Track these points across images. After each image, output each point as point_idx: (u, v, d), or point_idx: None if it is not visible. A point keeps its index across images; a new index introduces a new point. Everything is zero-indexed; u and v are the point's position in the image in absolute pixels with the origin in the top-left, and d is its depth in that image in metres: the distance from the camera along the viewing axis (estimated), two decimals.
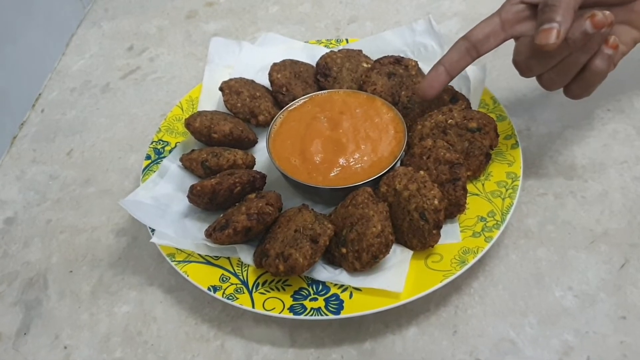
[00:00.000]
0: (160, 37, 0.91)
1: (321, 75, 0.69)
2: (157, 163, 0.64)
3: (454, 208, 0.54)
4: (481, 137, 0.58)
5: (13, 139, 0.77)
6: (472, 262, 0.51)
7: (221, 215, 0.56)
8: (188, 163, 0.61)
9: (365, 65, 0.70)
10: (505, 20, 0.55)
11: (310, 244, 0.50)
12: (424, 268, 0.52)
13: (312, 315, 0.49)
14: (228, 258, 0.55)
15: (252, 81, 0.70)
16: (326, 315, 0.49)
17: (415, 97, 0.64)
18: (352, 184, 0.56)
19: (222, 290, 0.52)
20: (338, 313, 0.49)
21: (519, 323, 0.51)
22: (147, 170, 0.63)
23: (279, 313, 0.50)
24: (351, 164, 0.58)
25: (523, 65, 0.53)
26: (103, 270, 0.60)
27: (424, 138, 0.60)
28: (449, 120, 0.59)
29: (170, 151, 0.65)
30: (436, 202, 0.51)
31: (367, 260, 0.51)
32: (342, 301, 0.50)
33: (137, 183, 0.64)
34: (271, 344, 0.52)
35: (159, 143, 0.66)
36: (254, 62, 0.74)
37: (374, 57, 0.71)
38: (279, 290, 0.52)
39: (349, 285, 0.51)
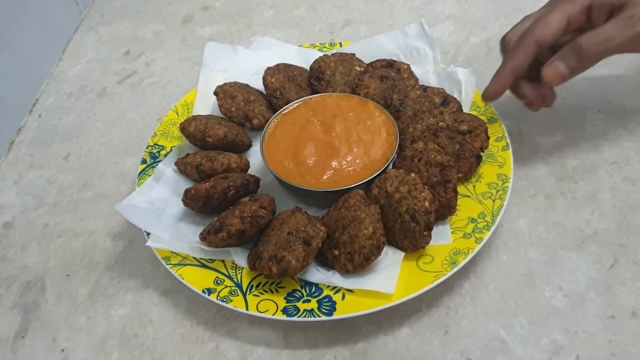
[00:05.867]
0: (157, 42, 0.92)
1: (314, 79, 0.70)
2: (153, 167, 0.64)
3: (444, 210, 0.55)
4: (472, 140, 0.59)
5: (10, 144, 0.77)
6: (462, 263, 0.52)
7: (215, 218, 0.57)
8: (183, 167, 0.62)
9: (358, 68, 0.71)
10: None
11: (303, 246, 0.51)
12: (415, 269, 0.52)
13: (305, 316, 0.50)
14: (222, 261, 0.55)
15: (247, 85, 0.71)
16: (319, 316, 0.50)
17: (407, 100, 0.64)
18: (345, 186, 0.57)
19: (217, 293, 0.52)
20: (331, 314, 0.50)
21: (509, 323, 0.51)
22: (142, 174, 0.64)
23: (273, 315, 0.50)
24: (344, 166, 0.59)
25: None
26: (100, 274, 0.60)
27: (416, 141, 0.60)
28: (440, 123, 0.60)
29: (165, 155, 0.66)
30: (427, 204, 0.52)
31: (359, 262, 0.51)
32: (335, 302, 0.51)
33: (133, 187, 0.65)
34: (265, 345, 0.52)
35: (155, 147, 0.67)
36: (248, 66, 0.75)
37: (367, 61, 0.71)
38: (272, 292, 0.52)
39: (342, 287, 0.52)
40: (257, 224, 0.54)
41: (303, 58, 0.75)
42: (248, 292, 0.52)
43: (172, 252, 0.56)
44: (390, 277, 0.51)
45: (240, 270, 0.54)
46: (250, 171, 0.63)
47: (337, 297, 0.51)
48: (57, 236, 0.65)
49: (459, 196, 0.56)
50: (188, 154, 0.63)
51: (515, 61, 0.58)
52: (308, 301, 0.51)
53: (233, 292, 0.52)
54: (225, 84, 0.69)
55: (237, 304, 0.51)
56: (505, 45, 0.62)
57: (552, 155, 0.64)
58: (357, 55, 0.73)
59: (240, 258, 0.55)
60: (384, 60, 0.70)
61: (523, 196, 0.61)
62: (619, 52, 0.57)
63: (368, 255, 0.51)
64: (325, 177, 0.59)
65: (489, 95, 0.60)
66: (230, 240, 0.54)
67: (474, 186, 0.58)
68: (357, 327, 0.53)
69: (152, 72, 0.86)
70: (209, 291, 0.52)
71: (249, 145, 0.67)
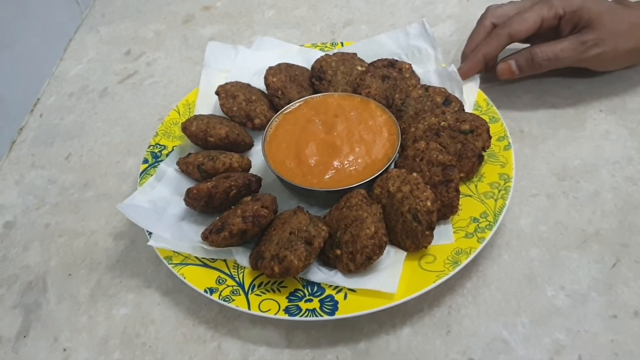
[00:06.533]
0: (157, 42, 0.92)
1: (316, 79, 0.70)
2: (155, 167, 0.64)
3: (446, 209, 0.55)
4: (474, 139, 0.59)
5: (12, 143, 0.77)
6: (465, 262, 0.52)
7: (217, 218, 0.57)
8: (184, 166, 0.62)
9: (359, 68, 0.71)
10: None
11: (305, 245, 0.51)
12: (417, 269, 0.52)
13: (307, 316, 0.50)
14: (224, 260, 0.55)
15: (248, 85, 0.71)
16: (321, 316, 0.50)
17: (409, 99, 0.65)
18: (346, 186, 0.57)
19: (219, 292, 0.52)
20: (333, 314, 0.50)
21: (511, 322, 0.51)
22: (144, 174, 0.64)
23: (275, 314, 0.50)
24: (345, 166, 0.59)
25: None
26: (101, 273, 0.60)
27: (417, 140, 0.60)
28: (442, 123, 0.60)
29: (167, 155, 0.66)
30: (429, 203, 0.52)
31: (361, 261, 0.51)
32: (337, 302, 0.51)
33: (135, 187, 0.65)
34: (267, 345, 0.52)
35: (156, 147, 0.67)
36: (249, 66, 0.75)
37: (369, 60, 0.71)
38: (274, 291, 0.52)
39: (344, 287, 0.52)
40: (259, 223, 0.54)
41: (304, 58, 0.75)
42: (250, 292, 0.52)
43: (173, 251, 0.56)
44: (392, 276, 0.51)
45: (242, 270, 0.54)
46: (252, 171, 0.63)
47: (339, 297, 0.51)
48: (58, 236, 0.65)
49: (460, 196, 0.56)
50: (190, 154, 0.63)
51: (487, 48, 0.67)
52: (310, 301, 0.51)
53: (235, 292, 0.52)
54: (226, 83, 0.69)
55: (239, 304, 0.51)
56: (482, 21, 0.71)
57: (553, 154, 0.64)
58: (358, 55, 0.73)
59: (242, 257, 0.55)
60: (386, 59, 0.70)
61: (525, 196, 0.61)
62: (565, 66, 0.65)
63: (370, 255, 0.51)
64: (327, 176, 0.59)
65: (463, 76, 0.68)
66: (232, 239, 0.53)
67: (475, 186, 0.58)
68: (359, 326, 0.53)
69: (153, 72, 0.86)
70: (211, 291, 0.52)
71: (251, 145, 0.67)
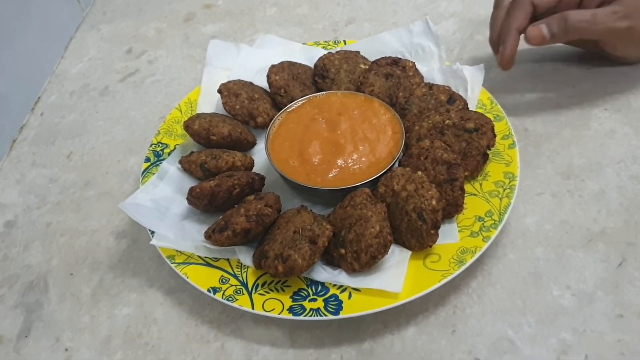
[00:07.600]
0: (159, 40, 0.91)
1: (319, 77, 0.70)
2: (157, 165, 0.64)
3: (451, 208, 0.55)
4: (478, 138, 0.58)
5: (13, 142, 0.77)
6: (470, 261, 0.51)
7: (220, 217, 0.56)
8: (187, 165, 0.62)
9: (362, 66, 0.70)
10: None
11: (309, 244, 0.51)
12: (422, 268, 0.52)
13: (311, 315, 0.50)
14: (227, 259, 0.55)
15: (251, 83, 0.70)
16: (325, 315, 0.49)
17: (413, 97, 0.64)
18: (351, 184, 0.56)
19: (222, 292, 0.52)
20: (337, 313, 0.49)
21: (517, 322, 0.51)
22: (146, 172, 0.64)
23: (279, 314, 0.50)
24: (349, 165, 0.59)
25: None
26: (103, 273, 0.60)
27: (422, 139, 0.60)
28: (447, 121, 0.60)
29: (169, 153, 0.66)
30: (434, 202, 0.52)
31: (365, 260, 0.51)
32: (341, 302, 0.50)
33: (137, 185, 0.65)
34: (271, 345, 0.52)
35: (158, 145, 0.67)
36: (252, 64, 0.74)
37: (372, 59, 0.71)
38: (278, 291, 0.52)
39: (348, 286, 0.51)
40: (263, 222, 0.54)
41: (307, 56, 0.75)
42: (253, 291, 0.52)
43: (176, 250, 0.55)
44: (397, 276, 0.51)
45: (246, 269, 0.54)
46: (255, 169, 0.63)
47: (343, 296, 0.51)
48: (59, 235, 0.64)
49: (465, 194, 0.55)
50: (192, 152, 0.63)
51: (517, 21, 0.64)
52: (314, 300, 0.51)
53: (238, 291, 0.52)
54: (229, 81, 0.68)
55: (242, 303, 0.51)
56: (499, 2, 0.67)
57: (558, 153, 0.64)
58: (361, 53, 0.72)
59: (245, 257, 0.55)
60: (389, 57, 0.69)
61: (530, 194, 0.60)
62: (595, 37, 0.64)
63: (375, 254, 0.51)
64: (331, 175, 0.58)
65: (508, 59, 0.64)
66: (236, 238, 0.53)
67: (480, 184, 0.58)
68: (363, 326, 0.52)
69: (155, 71, 0.85)
70: (214, 290, 0.52)
71: (254, 144, 0.66)
